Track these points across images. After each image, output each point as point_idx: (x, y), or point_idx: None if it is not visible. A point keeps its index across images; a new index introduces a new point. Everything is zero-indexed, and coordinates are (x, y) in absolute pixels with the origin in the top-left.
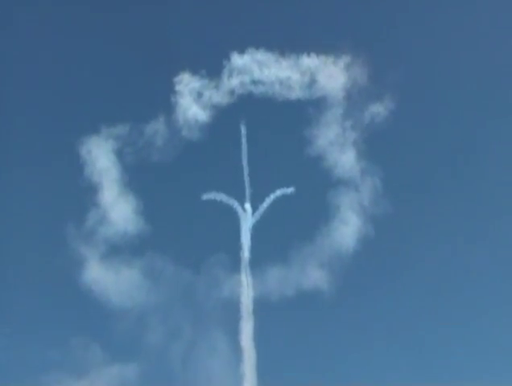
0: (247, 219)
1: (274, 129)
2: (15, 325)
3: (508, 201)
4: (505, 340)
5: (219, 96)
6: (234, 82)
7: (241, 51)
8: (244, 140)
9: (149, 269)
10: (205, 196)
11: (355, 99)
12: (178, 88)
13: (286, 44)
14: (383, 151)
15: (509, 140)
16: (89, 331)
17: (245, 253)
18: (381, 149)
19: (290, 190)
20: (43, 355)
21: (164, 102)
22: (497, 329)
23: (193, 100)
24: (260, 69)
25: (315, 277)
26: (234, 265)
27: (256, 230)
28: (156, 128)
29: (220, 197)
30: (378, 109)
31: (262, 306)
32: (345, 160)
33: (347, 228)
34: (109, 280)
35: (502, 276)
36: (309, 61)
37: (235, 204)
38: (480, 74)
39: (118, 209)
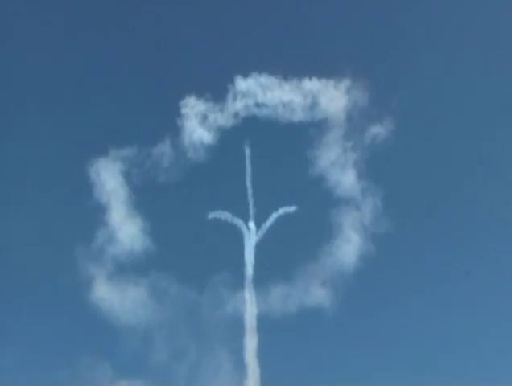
0: (251, 237)
1: (277, 150)
2: (25, 344)
3: (508, 219)
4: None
5: (223, 119)
6: (238, 105)
7: (245, 75)
8: (248, 161)
9: (154, 288)
10: (210, 215)
11: (355, 121)
12: (184, 111)
13: (289, 68)
14: (383, 171)
15: (507, 158)
16: (97, 349)
17: (249, 271)
18: (381, 169)
19: (292, 209)
20: (52, 373)
21: (170, 125)
22: (497, 346)
23: (198, 123)
24: (263, 92)
25: (317, 294)
26: (238, 283)
27: (259, 248)
28: (163, 150)
29: (225, 216)
30: (378, 131)
31: (265, 323)
32: (346, 180)
33: (348, 246)
34: (116, 298)
35: (503, 291)
36: (311, 84)
37: (239, 223)
38: (475, 97)
39: (126, 229)
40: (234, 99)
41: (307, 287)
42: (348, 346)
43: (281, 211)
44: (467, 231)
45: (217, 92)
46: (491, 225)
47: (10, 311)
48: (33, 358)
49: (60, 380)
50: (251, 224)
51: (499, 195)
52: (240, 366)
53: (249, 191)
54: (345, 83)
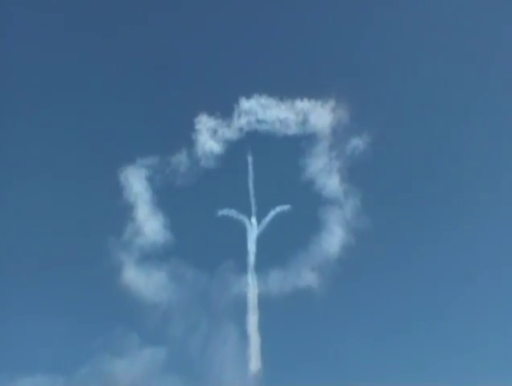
0: (253, 230)
1: (274, 158)
2: (69, 316)
3: (471, 215)
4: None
5: (230, 133)
6: (242, 121)
7: (248, 97)
8: (250, 167)
9: (173, 273)
10: (219, 213)
11: (339, 134)
12: (197, 126)
13: (284, 91)
14: (362, 176)
15: (469, 159)
16: (127, 321)
17: (251, 259)
18: (360, 174)
19: (287, 207)
20: (90, 341)
21: (186, 138)
22: (482, 335)
23: (209, 136)
24: (263, 111)
25: (307, 277)
26: (242, 269)
27: (260, 240)
28: (180, 159)
29: (232, 213)
30: (358, 143)
31: (264, 302)
32: (331, 183)
33: (333, 238)
34: (142, 281)
35: (470, 280)
36: (302, 104)
37: (243, 219)
38: (438, 112)
39: (149, 223)
40: (239, 116)
41: (299, 272)
42: (333, 320)
43: (278, 209)
44: (432, 224)
45: (225, 110)
46: (454, 218)
47: (57, 290)
48: (75, 328)
49: (97, 347)
50: (253, 220)
51: (461, 194)
52: (244, 337)
53: (252, 193)
54: (331, 103)
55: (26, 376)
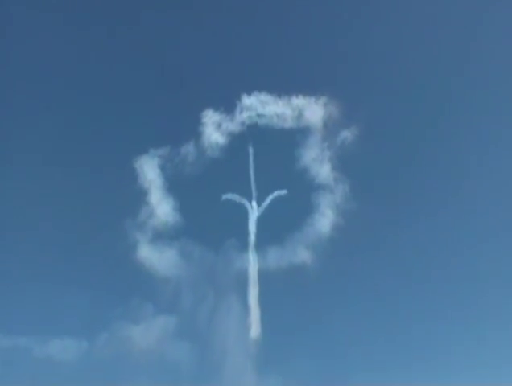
0: (253, 213)
1: (272, 149)
2: (93, 290)
3: (448, 197)
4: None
5: (233, 126)
6: (244, 116)
7: (249, 94)
8: (251, 157)
9: (183, 250)
10: (224, 197)
11: (330, 128)
12: (204, 120)
13: (282, 89)
14: (350, 165)
15: (449, 149)
16: (142, 293)
17: (252, 238)
18: (349, 163)
19: (284, 192)
20: (110, 310)
21: (194, 131)
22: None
23: (214, 129)
24: (263, 107)
25: (302, 255)
26: (244, 247)
27: (260, 221)
28: (188, 149)
29: (235, 197)
30: (347, 135)
31: (264, 276)
32: (323, 171)
33: (324, 220)
34: (155, 257)
35: (451, 260)
36: (298, 101)
37: (245, 202)
38: (418, 108)
39: (161, 207)
40: (241, 111)
41: (294, 249)
42: (324, 292)
43: (275, 193)
44: (412, 207)
45: (228, 106)
46: (432, 201)
47: (83, 265)
48: (98, 298)
49: (117, 315)
50: (253, 203)
51: (438, 178)
52: (245, 307)
53: (252, 179)
54: (323, 99)
55: (56, 339)
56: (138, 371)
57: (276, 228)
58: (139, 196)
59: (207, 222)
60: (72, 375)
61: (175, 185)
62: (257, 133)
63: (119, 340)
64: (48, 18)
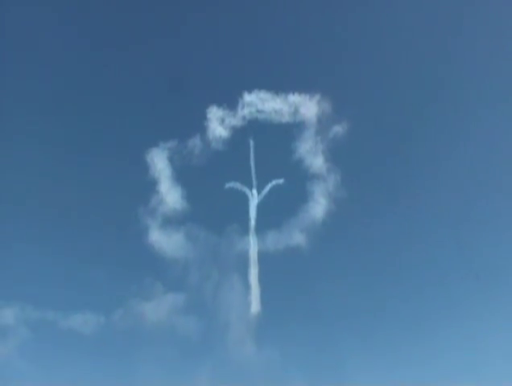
0: (254, 200)
1: (271, 142)
2: (110, 270)
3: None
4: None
5: (235, 121)
6: (245, 112)
7: (250, 92)
8: (252, 149)
9: (189, 234)
10: (227, 185)
11: (323, 123)
12: (209, 116)
13: (279, 87)
14: (342, 156)
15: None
16: (152, 273)
17: (252, 223)
18: (340, 155)
19: (281, 181)
20: (126, 288)
21: (200, 125)
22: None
23: (218, 124)
24: (262, 103)
25: (297, 238)
26: (245, 231)
27: (259, 207)
28: (195, 142)
29: (237, 186)
30: (338, 129)
31: (263, 257)
32: (317, 162)
33: (318, 206)
34: (165, 241)
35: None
36: (294, 98)
37: (246, 190)
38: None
39: (170, 195)
40: (242, 107)
41: (290, 233)
42: (318, 272)
43: (274, 182)
44: (399, 194)
45: (231, 103)
46: (417, 188)
47: (101, 247)
48: (114, 278)
49: (131, 293)
50: (254, 191)
51: (424, 167)
52: (246, 286)
53: (253, 169)
54: (317, 97)
55: (78, 313)
56: (150, 342)
57: (274, 214)
58: (150, 185)
59: (211, 208)
60: (92, 346)
61: (182, 175)
62: (257, 128)
63: (133, 315)
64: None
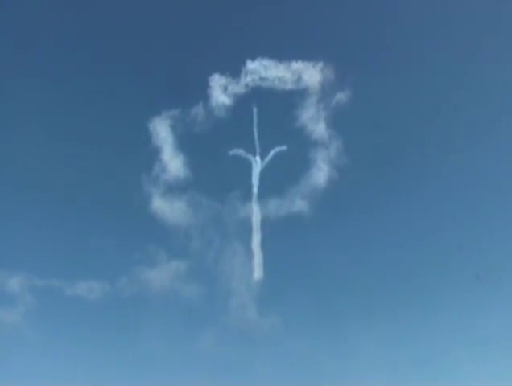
0: (257, 167)
1: (274, 109)
2: (114, 237)
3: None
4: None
5: (238, 89)
6: (248, 79)
7: (253, 59)
8: (255, 116)
9: (192, 201)
10: (230, 152)
11: (326, 90)
12: (211, 84)
13: (283, 54)
14: (343, 123)
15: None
16: (156, 241)
17: (255, 190)
18: (342, 122)
19: (284, 148)
20: (130, 256)
21: (203, 93)
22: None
23: (221, 92)
24: (265, 71)
25: (299, 205)
26: (247, 198)
27: (262, 174)
28: (197, 110)
29: (240, 153)
30: (340, 97)
31: (265, 224)
32: (319, 129)
33: (320, 173)
34: (167, 208)
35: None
36: (297, 65)
37: (250, 157)
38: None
39: (173, 163)
40: (245, 75)
41: (293, 200)
42: (319, 237)
43: (277, 149)
44: (400, 161)
45: (234, 70)
46: (415, 153)
47: (104, 215)
48: (118, 245)
49: (135, 260)
50: (257, 158)
51: (424, 134)
52: (249, 252)
53: (256, 136)
54: (320, 64)
55: (84, 281)
56: (154, 309)
57: (277, 181)
58: (153, 154)
59: (214, 176)
60: (97, 312)
61: (185, 143)
62: (260, 95)
63: (137, 282)
64: None
